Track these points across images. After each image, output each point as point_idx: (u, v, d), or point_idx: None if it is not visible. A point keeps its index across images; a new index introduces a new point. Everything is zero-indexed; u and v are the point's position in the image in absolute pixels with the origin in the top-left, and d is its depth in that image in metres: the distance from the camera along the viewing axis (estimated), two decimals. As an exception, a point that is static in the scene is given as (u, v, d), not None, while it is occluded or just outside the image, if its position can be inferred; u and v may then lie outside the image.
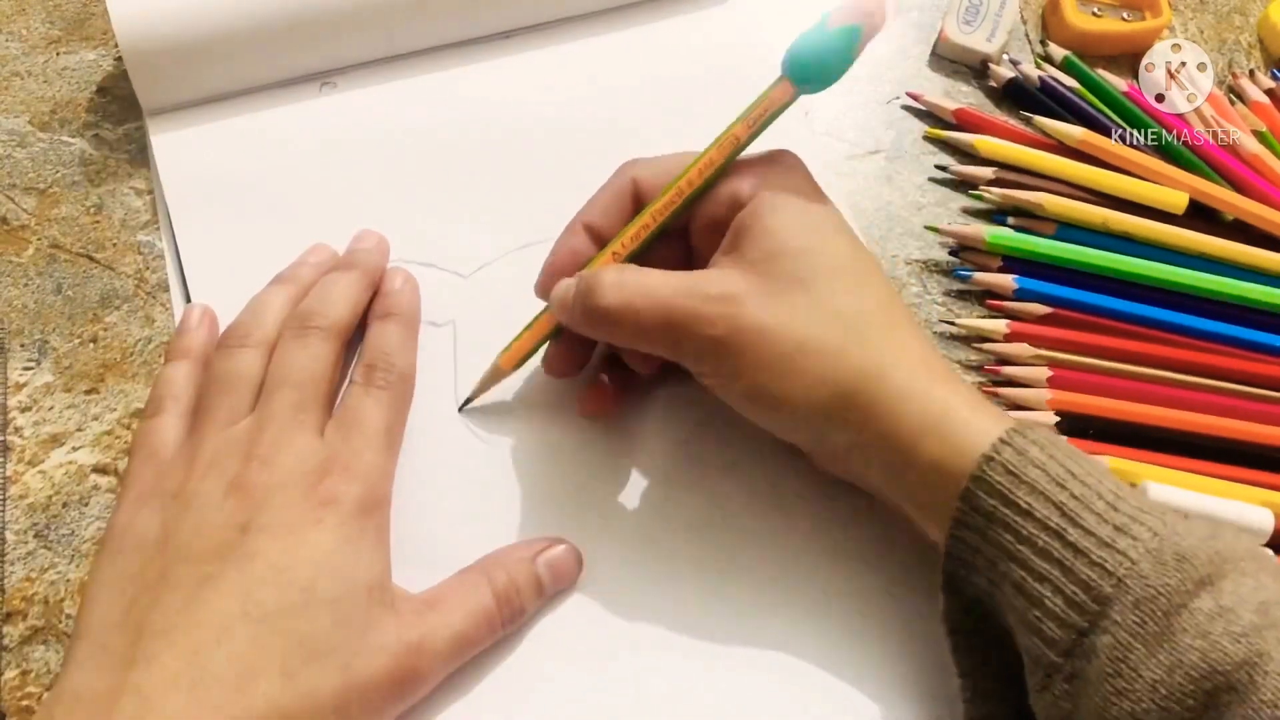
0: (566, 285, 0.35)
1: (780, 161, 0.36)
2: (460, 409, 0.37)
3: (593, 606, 0.34)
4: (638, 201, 0.36)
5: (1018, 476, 0.29)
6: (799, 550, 0.35)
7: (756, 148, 0.35)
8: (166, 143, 0.40)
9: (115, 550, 0.31)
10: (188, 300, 0.38)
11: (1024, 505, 0.29)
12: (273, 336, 0.35)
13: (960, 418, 0.31)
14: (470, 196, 0.41)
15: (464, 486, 0.36)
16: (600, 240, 0.36)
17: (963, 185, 0.45)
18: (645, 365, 0.36)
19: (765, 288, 0.32)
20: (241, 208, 0.39)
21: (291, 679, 0.28)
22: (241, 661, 0.28)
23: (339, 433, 0.33)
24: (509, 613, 0.33)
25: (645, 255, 0.35)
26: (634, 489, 0.36)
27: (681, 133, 0.43)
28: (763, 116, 0.34)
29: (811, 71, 0.33)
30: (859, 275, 0.33)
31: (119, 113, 0.42)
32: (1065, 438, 0.32)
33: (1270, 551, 0.30)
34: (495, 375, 0.37)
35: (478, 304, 0.39)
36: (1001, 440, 0.30)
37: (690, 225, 0.36)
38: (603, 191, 0.36)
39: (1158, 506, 0.29)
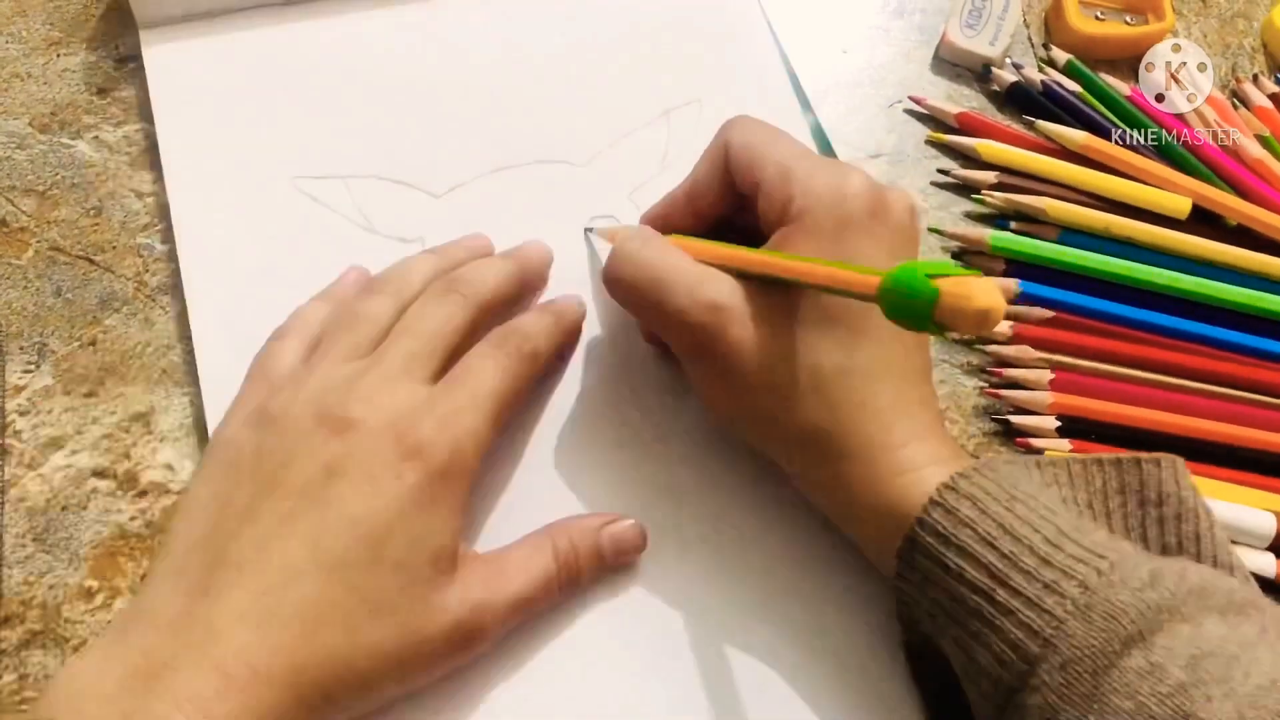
0: (619, 236, 0.35)
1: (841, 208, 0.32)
2: (586, 230, 0.40)
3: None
4: (729, 164, 0.35)
5: (947, 539, 0.29)
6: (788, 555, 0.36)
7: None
8: (158, 54, 0.42)
9: (214, 464, 0.32)
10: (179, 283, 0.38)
11: (954, 568, 0.29)
12: (410, 294, 0.35)
13: (902, 480, 0.31)
14: (448, 120, 0.43)
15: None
16: (693, 202, 0.36)
17: (965, 189, 0.45)
18: None
19: (756, 312, 0.32)
20: (230, 122, 0.41)
21: (353, 633, 0.29)
22: (307, 608, 0.28)
23: (446, 387, 0.32)
24: (568, 578, 0.33)
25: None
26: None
27: (654, 65, 0.45)
28: (842, 285, 0.29)
29: (887, 303, 0.27)
30: (859, 331, 0.32)
31: (119, 115, 0.42)
32: (1023, 461, 0.31)
33: (1249, 579, 0.29)
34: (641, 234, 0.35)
35: (447, 223, 0.40)
36: (933, 500, 0.30)
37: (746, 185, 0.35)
38: (704, 155, 0.36)
39: (1103, 545, 0.28)
